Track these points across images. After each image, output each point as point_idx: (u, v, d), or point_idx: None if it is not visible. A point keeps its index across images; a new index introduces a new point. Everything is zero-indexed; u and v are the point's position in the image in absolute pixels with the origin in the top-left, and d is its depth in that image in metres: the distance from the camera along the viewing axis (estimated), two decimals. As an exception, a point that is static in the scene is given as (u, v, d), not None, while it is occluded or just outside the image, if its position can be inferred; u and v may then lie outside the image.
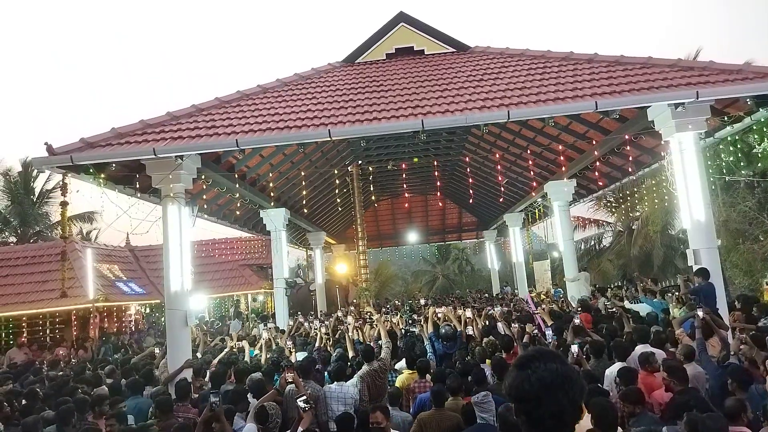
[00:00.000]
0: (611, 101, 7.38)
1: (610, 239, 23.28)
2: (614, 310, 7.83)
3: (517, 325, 6.74)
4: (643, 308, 8.32)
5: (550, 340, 6.11)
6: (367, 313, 9.81)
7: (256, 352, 8.27)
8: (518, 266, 19.81)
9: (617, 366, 5.10)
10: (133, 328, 17.31)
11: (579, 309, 8.06)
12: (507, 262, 26.70)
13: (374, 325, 8.70)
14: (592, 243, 24.03)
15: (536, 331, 6.91)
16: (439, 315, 8.39)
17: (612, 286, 13.25)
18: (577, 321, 6.87)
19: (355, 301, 14.94)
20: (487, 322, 8.30)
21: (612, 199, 21.10)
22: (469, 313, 7.88)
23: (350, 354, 6.96)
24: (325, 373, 6.42)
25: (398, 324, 8.97)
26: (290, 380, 4.54)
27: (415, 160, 12.37)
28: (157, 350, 9.23)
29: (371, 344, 6.82)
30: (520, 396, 1.45)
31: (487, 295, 19.01)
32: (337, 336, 8.85)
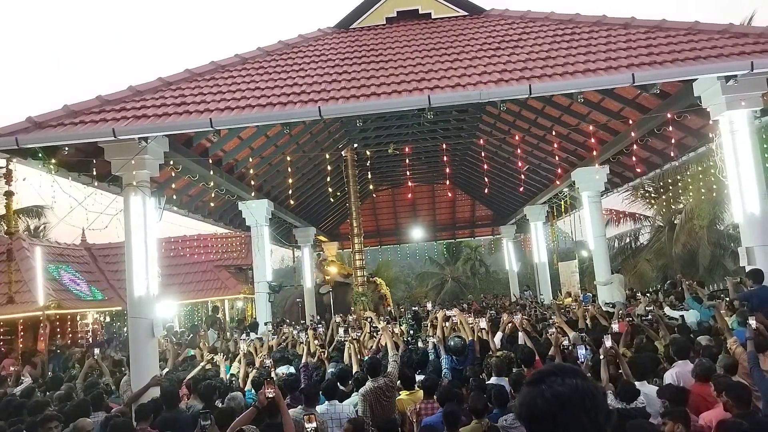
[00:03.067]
0: (651, 73, 7.37)
1: (649, 236, 23.30)
2: (650, 316, 7.85)
3: (553, 331, 6.74)
4: (690, 316, 8.33)
5: (582, 359, 6.07)
6: (367, 319, 9.81)
7: (234, 369, 8.26)
8: (541, 267, 19.83)
9: (651, 387, 5.11)
10: (90, 340, 17.33)
11: (621, 317, 8.07)
12: (528, 262, 26.74)
13: (374, 335, 8.71)
14: (628, 240, 24.03)
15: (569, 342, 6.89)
16: (453, 319, 8.41)
17: (650, 291, 13.26)
18: (615, 327, 6.87)
19: (353, 309, 14.97)
20: (502, 333, 8.32)
21: (651, 189, 21.08)
22: (483, 323, 7.88)
23: (354, 368, 6.96)
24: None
25: (400, 335, 8.98)
26: (270, 395, 4.53)
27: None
28: (97, 351, 9.17)
29: (378, 356, 6.82)
30: (532, 415, 1.44)
31: (503, 301, 19.05)
32: (332, 348, 8.87)
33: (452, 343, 7.30)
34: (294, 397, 6.26)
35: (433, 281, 35.37)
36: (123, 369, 9.04)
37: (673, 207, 20.92)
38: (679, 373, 5.44)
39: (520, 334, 7.83)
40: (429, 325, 8.87)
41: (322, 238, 22.91)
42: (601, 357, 5.55)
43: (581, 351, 5.96)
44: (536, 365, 6.46)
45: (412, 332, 9.26)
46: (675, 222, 20.77)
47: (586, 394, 1.42)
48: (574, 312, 10.03)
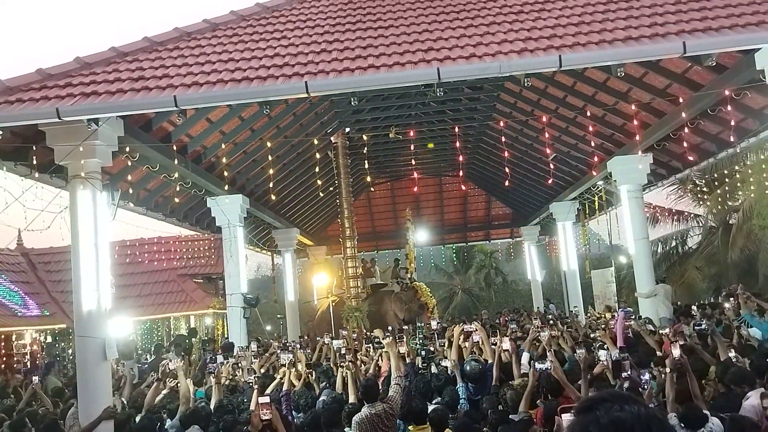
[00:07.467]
0: (705, 41, 7.36)
1: (699, 239, 23.31)
2: (705, 326, 7.88)
3: (583, 351, 6.72)
4: (755, 334, 8.34)
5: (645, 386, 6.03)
6: (374, 339, 9.84)
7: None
8: (570, 276, 19.83)
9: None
10: (28, 365, 17.27)
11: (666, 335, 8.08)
12: (554, 270, 26.77)
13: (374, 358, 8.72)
14: (674, 244, 24.07)
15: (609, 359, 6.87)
16: (473, 337, 8.40)
17: (702, 303, 13.24)
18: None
19: (348, 327, 14.96)
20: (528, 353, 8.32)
21: (702, 182, 21.07)
22: (507, 344, 7.86)
23: (351, 398, 6.96)
24: None
25: (407, 356, 8.98)
26: (266, 417, 4.53)
27: (430, 145, 12.29)
28: (36, 379, 9.23)
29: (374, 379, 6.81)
30: None
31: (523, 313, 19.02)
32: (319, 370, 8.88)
33: (468, 367, 7.28)
34: None
35: (440, 293, 35.34)
36: (58, 400, 9.08)
37: (728, 204, 20.89)
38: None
39: (548, 354, 7.82)
40: (447, 344, 8.84)
41: (306, 241, 22.90)
42: (668, 370, 5.57)
43: (645, 377, 5.99)
44: (566, 394, 6.44)
45: (423, 353, 9.26)
46: (730, 222, 20.79)
47: (652, 421, 1.42)
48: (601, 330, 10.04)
